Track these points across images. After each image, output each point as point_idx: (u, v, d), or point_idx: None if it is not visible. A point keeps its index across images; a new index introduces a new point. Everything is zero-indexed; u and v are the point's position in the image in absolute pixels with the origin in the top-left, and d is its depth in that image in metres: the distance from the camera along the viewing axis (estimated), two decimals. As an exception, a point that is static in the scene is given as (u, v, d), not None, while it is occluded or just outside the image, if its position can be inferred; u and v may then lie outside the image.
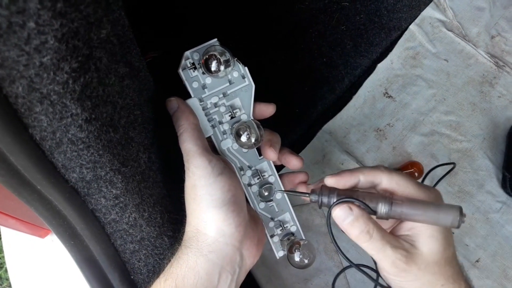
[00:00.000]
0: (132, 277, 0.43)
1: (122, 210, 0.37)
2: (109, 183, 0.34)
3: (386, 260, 0.36)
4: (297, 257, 0.45)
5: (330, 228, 0.39)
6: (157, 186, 0.42)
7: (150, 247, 0.42)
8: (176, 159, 0.41)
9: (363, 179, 0.39)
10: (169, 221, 0.43)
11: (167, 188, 0.44)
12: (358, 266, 0.39)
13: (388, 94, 0.71)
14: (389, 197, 0.37)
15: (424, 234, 0.37)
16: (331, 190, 0.39)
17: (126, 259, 0.42)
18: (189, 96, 0.42)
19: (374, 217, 0.38)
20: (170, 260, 0.40)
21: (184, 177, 0.40)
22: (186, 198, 0.40)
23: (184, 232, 0.40)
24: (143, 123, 0.38)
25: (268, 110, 0.45)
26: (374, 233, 0.37)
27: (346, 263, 0.65)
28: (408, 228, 0.38)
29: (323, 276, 0.64)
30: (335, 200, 0.38)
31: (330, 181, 0.40)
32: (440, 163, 0.68)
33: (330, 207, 0.38)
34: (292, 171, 0.47)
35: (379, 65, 0.71)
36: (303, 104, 0.65)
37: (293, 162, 0.45)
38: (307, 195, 0.41)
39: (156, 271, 0.44)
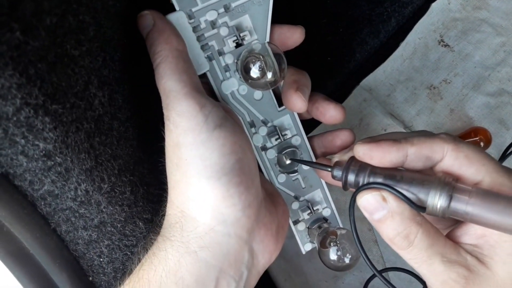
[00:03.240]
0: (90, 278, 0.29)
1: (62, 177, 0.24)
2: (27, 129, 0.20)
3: (434, 278, 0.25)
4: (333, 253, 0.31)
5: (353, 219, 0.26)
6: (125, 144, 0.28)
7: (116, 236, 0.28)
8: (158, 105, 0.27)
9: (413, 152, 0.25)
10: (146, 198, 0.30)
11: (143, 149, 0.30)
12: (383, 276, 0.26)
13: (444, 42, 0.58)
14: (450, 183, 0.24)
15: (503, 248, 0.24)
16: (362, 166, 0.26)
17: (79, 253, 0.28)
18: (173, 9, 0.28)
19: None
20: (141, 258, 0.26)
21: (164, 132, 0.26)
22: (167, 165, 0.27)
23: (163, 215, 0.27)
24: (98, 41, 0.24)
25: (293, 35, 0.31)
26: (417, 239, 0.24)
27: (389, 258, 0.51)
28: (477, 234, 0.25)
29: (357, 273, 0.51)
30: (363, 182, 0.26)
31: (361, 150, 0.26)
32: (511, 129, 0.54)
33: (355, 191, 0.26)
34: (328, 130, 0.33)
35: (434, 5, 0.58)
36: (336, 50, 0.51)
37: (330, 112, 0.31)
38: (329, 169, 0.28)
39: (127, 269, 0.30)
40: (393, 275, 0.50)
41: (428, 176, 0.25)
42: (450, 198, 0.23)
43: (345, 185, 0.27)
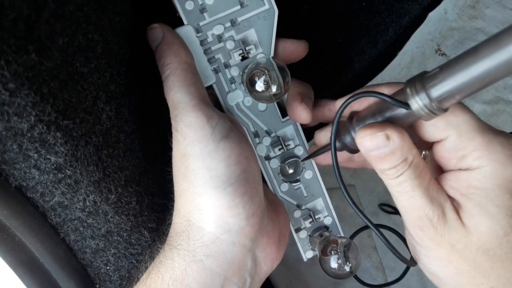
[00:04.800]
0: (97, 286, 0.30)
1: (72, 189, 0.24)
2: (40, 144, 0.21)
3: (410, 212, 0.24)
4: (334, 262, 0.32)
5: (335, 156, 0.26)
6: (131, 156, 0.29)
7: (123, 245, 0.29)
8: (162, 117, 0.28)
9: (388, 92, 0.25)
10: (151, 207, 0.30)
11: (148, 160, 0.31)
12: (373, 223, 0.26)
13: (441, 51, 0.58)
14: (417, 75, 0.22)
15: (470, 199, 0.23)
16: (348, 121, 0.26)
17: (87, 261, 0.29)
18: (181, 24, 0.28)
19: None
20: (148, 267, 0.27)
21: (172, 142, 0.27)
22: (174, 174, 0.27)
23: (170, 224, 0.27)
24: (106, 57, 0.25)
25: (297, 49, 0.32)
26: (409, 170, 0.23)
27: (388, 264, 0.51)
28: (451, 185, 0.24)
29: (357, 280, 0.51)
30: (355, 131, 0.25)
31: (339, 104, 0.27)
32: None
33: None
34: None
35: (431, 15, 0.58)
36: (335, 60, 0.51)
37: None
38: (328, 147, 0.29)
39: (132, 277, 0.31)
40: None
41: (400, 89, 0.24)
42: (423, 84, 0.21)
43: (349, 148, 0.26)
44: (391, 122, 0.24)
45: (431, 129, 0.24)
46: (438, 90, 0.21)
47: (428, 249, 0.25)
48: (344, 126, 0.26)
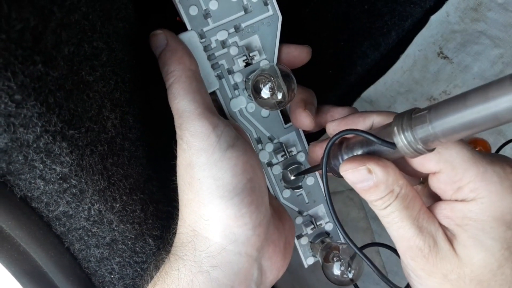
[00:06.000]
0: (101, 294, 0.30)
1: (77, 198, 0.24)
2: (46, 155, 0.21)
3: (401, 242, 0.24)
4: (336, 269, 0.32)
5: (327, 185, 0.25)
6: (136, 163, 0.28)
7: (127, 253, 0.29)
8: (166, 124, 0.27)
9: (378, 121, 0.26)
10: (156, 215, 0.30)
11: (152, 167, 0.30)
12: (363, 253, 0.26)
13: (443, 54, 0.58)
14: (406, 112, 0.22)
15: (465, 231, 0.23)
16: (338, 146, 0.26)
17: (91, 270, 0.28)
18: (185, 29, 0.28)
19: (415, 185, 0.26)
20: (153, 277, 0.26)
21: (176, 150, 0.26)
22: (178, 183, 0.27)
23: (174, 233, 0.27)
24: (111, 65, 0.25)
25: (301, 55, 0.31)
26: (396, 202, 0.23)
27: (391, 269, 0.51)
28: (445, 214, 0.24)
29: (360, 284, 0.50)
30: (343, 158, 0.26)
31: (332, 127, 0.27)
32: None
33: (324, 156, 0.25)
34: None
35: (433, 17, 0.58)
36: (337, 63, 0.51)
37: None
38: (318, 168, 0.29)
39: (137, 286, 0.30)
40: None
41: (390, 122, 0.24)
42: (411, 121, 0.21)
43: (335, 172, 0.26)
44: (378, 154, 0.24)
45: (424, 161, 0.23)
46: (424, 132, 0.21)
47: (421, 278, 0.24)
48: (334, 151, 0.26)
